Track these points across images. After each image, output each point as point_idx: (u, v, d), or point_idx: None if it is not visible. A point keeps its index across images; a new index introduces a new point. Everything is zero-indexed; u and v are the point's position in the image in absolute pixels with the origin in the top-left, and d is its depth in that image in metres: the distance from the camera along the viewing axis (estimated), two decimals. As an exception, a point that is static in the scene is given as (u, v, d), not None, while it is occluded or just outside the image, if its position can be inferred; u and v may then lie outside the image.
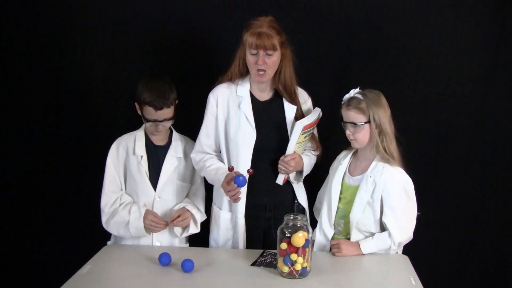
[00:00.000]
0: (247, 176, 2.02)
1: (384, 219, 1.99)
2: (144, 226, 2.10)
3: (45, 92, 2.74)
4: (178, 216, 2.12)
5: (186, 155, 2.25)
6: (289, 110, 2.17)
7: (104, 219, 2.15)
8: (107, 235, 2.22)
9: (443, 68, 2.62)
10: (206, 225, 2.28)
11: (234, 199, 2.05)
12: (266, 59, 2.04)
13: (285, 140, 2.13)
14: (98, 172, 2.20)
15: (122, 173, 2.19)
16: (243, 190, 2.09)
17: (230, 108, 2.15)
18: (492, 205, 2.74)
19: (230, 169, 2.03)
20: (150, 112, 2.08)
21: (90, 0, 2.66)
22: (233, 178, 1.98)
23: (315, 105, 2.26)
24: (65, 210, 2.79)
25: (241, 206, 2.15)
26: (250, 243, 2.19)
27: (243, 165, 2.11)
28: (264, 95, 2.19)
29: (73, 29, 2.68)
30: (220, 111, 2.16)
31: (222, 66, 2.21)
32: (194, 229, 2.20)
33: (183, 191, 2.25)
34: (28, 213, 2.83)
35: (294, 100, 2.17)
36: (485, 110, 2.65)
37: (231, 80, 2.18)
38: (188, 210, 2.17)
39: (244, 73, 2.16)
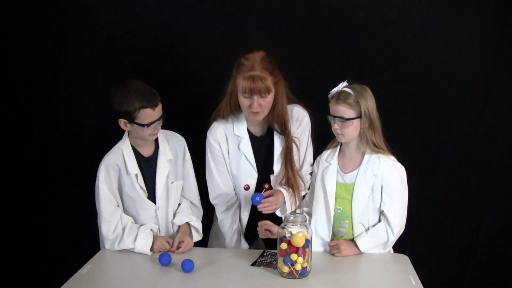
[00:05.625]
0: (262, 192, 2.06)
1: (383, 208, 1.99)
2: (153, 248, 2.04)
3: (45, 92, 2.74)
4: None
5: (175, 151, 2.17)
6: (277, 145, 2.13)
7: (108, 244, 2.04)
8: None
9: (443, 68, 2.62)
10: (205, 225, 2.27)
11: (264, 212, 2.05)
12: (260, 101, 1.95)
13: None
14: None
15: (117, 192, 2.09)
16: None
17: (230, 147, 2.13)
18: (492, 205, 2.74)
19: (246, 187, 2.09)
20: (147, 114, 1.95)
21: (90, 2, 2.66)
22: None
23: (315, 105, 2.24)
24: (65, 210, 2.79)
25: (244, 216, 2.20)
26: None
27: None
28: (260, 130, 2.15)
29: (73, 30, 2.67)
30: (223, 149, 2.13)
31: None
32: (197, 237, 2.19)
33: (178, 189, 2.21)
34: (28, 213, 2.83)
35: (284, 132, 2.11)
36: (485, 110, 2.65)
37: (223, 117, 2.10)
38: (190, 225, 2.16)
39: (235, 111, 2.08)
